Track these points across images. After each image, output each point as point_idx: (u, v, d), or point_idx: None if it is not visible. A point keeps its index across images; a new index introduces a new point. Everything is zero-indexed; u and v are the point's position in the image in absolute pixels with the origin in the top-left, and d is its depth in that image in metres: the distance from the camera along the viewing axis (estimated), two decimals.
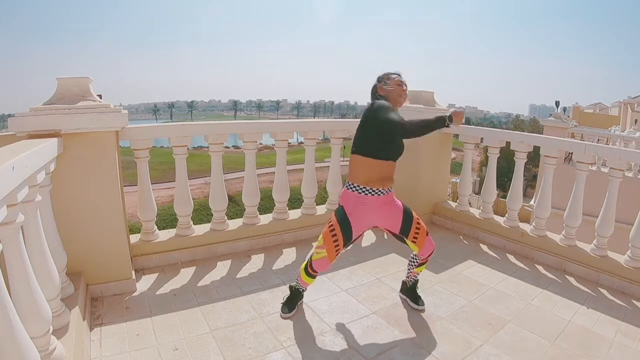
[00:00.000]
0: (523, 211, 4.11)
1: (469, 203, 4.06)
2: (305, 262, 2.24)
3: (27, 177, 1.38)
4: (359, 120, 2.08)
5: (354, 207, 2.08)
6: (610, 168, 2.87)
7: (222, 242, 3.08)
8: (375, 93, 2.17)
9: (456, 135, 4.04)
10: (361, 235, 2.22)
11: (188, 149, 2.93)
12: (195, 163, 23.01)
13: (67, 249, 2.06)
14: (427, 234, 2.20)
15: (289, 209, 3.50)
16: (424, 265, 2.32)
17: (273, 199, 3.40)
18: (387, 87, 2.14)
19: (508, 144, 3.47)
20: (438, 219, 4.05)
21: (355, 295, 2.53)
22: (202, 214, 16.38)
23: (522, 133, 3.61)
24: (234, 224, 3.24)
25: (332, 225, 2.10)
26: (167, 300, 2.41)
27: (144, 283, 2.59)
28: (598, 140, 11.98)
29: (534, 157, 4.25)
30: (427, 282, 2.72)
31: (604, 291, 2.73)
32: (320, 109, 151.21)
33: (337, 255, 2.12)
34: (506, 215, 3.53)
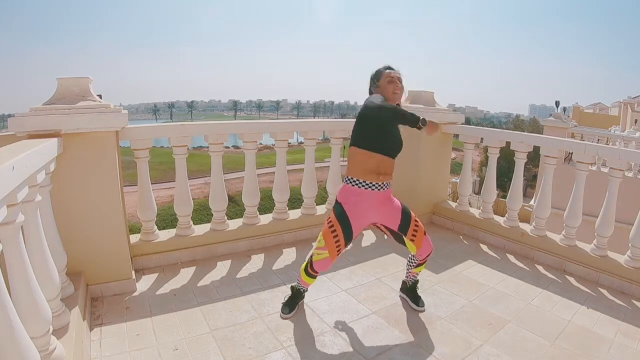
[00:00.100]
0: (523, 211, 4.11)
1: (469, 203, 4.06)
2: (305, 263, 2.24)
3: (27, 177, 1.38)
4: None
5: (352, 204, 2.07)
6: (610, 168, 2.87)
7: (222, 242, 3.08)
8: (371, 94, 2.16)
9: (456, 135, 4.05)
10: (361, 230, 2.21)
11: (188, 149, 2.93)
12: (195, 163, 23.01)
13: (67, 249, 2.06)
14: (425, 234, 2.19)
15: (289, 209, 3.50)
16: (423, 266, 2.32)
17: (273, 199, 3.40)
18: (378, 89, 2.11)
19: (508, 144, 3.47)
20: (438, 219, 4.05)
21: (355, 295, 2.53)
22: (202, 214, 16.39)
23: (522, 133, 3.61)
24: (234, 224, 3.24)
25: (331, 223, 2.09)
26: (167, 300, 2.41)
27: (144, 283, 2.59)
28: (598, 140, 11.98)
29: (534, 157, 4.26)
30: (427, 282, 2.72)
31: (604, 291, 2.73)
32: (320, 109, 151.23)
33: (339, 254, 2.11)
34: (506, 215, 3.53)
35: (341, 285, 2.65)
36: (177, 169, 2.93)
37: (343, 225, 2.06)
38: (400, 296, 2.52)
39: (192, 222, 3.05)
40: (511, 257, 3.26)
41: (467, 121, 5.74)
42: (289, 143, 3.42)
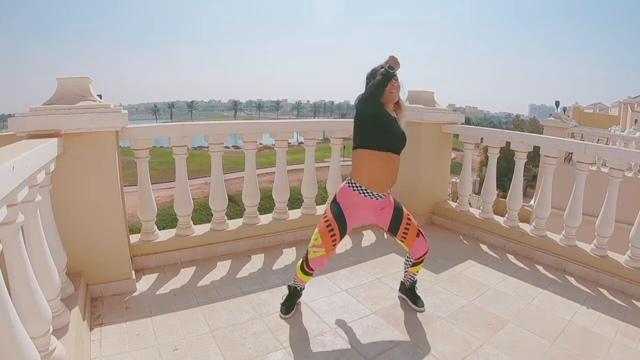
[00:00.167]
0: (523, 211, 4.11)
1: (469, 203, 4.06)
2: (301, 260, 2.24)
3: (27, 177, 1.38)
4: None
5: (350, 206, 2.08)
6: (610, 168, 2.87)
7: (222, 242, 3.08)
8: None
9: (456, 135, 4.05)
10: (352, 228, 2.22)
11: (188, 149, 2.93)
12: (195, 163, 23.00)
13: (67, 249, 2.06)
14: (418, 235, 2.17)
15: (289, 209, 3.50)
16: (419, 266, 2.30)
17: (273, 199, 3.40)
18: None
19: (508, 144, 3.47)
20: (438, 219, 4.05)
21: (355, 295, 2.53)
22: (202, 214, 16.38)
23: (522, 133, 3.61)
24: (234, 224, 3.24)
25: (328, 221, 2.09)
26: (167, 300, 2.41)
27: (144, 283, 2.59)
28: (598, 140, 11.98)
29: (534, 157, 4.25)
30: (427, 282, 2.72)
31: (604, 291, 2.73)
32: (320, 109, 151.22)
33: (334, 250, 2.12)
34: (506, 215, 3.53)
35: (341, 285, 2.65)
36: (177, 169, 2.93)
37: (340, 224, 2.07)
38: (399, 297, 2.52)
39: (192, 222, 3.05)
40: (511, 257, 3.26)
41: (467, 121, 5.75)
42: (289, 143, 3.42)
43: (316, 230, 2.14)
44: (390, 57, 1.93)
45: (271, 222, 3.35)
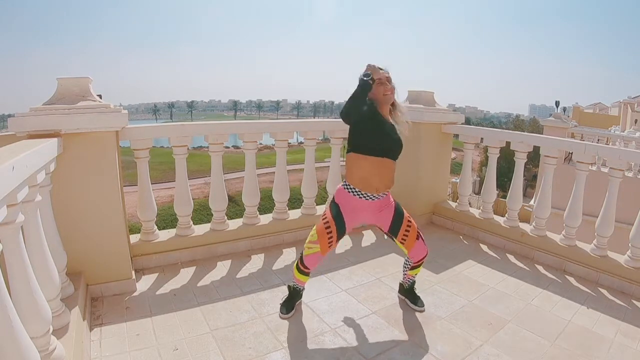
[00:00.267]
0: (523, 211, 4.11)
1: (469, 203, 4.06)
2: (296, 260, 2.24)
3: (27, 177, 1.38)
4: None
5: (348, 207, 2.07)
6: (610, 168, 2.87)
7: (222, 242, 3.08)
8: None
9: (456, 135, 4.05)
10: (352, 229, 2.19)
11: (188, 149, 2.93)
12: (195, 163, 23.00)
13: (67, 249, 2.06)
14: (418, 238, 2.16)
15: (289, 209, 3.50)
16: (418, 269, 2.30)
17: (273, 199, 3.40)
18: (369, 92, 2.01)
19: (508, 144, 3.47)
20: (438, 219, 4.04)
21: (355, 295, 2.53)
22: (202, 214, 16.38)
23: (522, 133, 3.61)
24: (234, 224, 3.24)
25: (327, 221, 2.09)
26: (167, 300, 2.41)
27: (144, 283, 2.59)
28: (598, 140, 11.98)
29: (534, 157, 4.25)
30: (427, 282, 2.72)
31: (604, 291, 2.73)
32: (320, 109, 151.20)
33: (329, 249, 2.11)
34: (506, 215, 3.53)
35: (341, 285, 2.65)
36: (177, 169, 2.93)
37: (338, 225, 2.07)
38: (399, 297, 2.52)
39: (192, 222, 3.05)
40: (511, 257, 3.26)
41: (467, 121, 5.75)
42: (289, 143, 3.42)
43: (314, 228, 2.14)
44: (367, 65, 1.91)
45: (271, 222, 3.35)
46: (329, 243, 2.08)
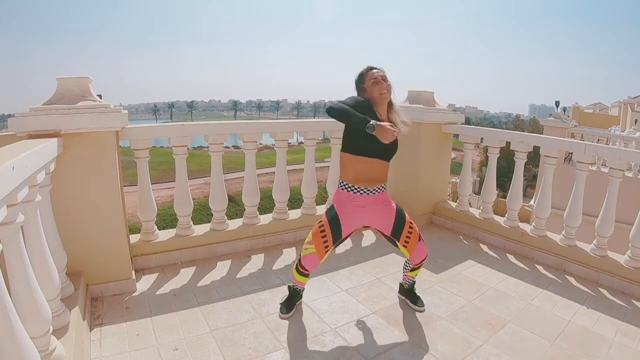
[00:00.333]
0: (523, 211, 4.11)
1: (469, 203, 4.06)
2: (296, 262, 2.24)
3: (27, 177, 1.38)
4: None
5: (344, 206, 2.06)
6: (610, 168, 2.87)
7: (222, 242, 3.08)
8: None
9: (456, 135, 4.05)
10: (352, 233, 2.17)
11: (188, 149, 2.93)
12: (195, 163, 23.00)
13: (67, 249, 2.06)
14: (419, 240, 2.15)
15: (289, 209, 3.50)
16: (418, 270, 2.30)
17: (273, 199, 3.40)
18: (365, 93, 2.02)
19: (508, 144, 3.47)
20: (438, 219, 4.04)
21: (355, 295, 2.53)
22: (202, 214, 16.38)
23: (522, 133, 3.61)
24: (234, 224, 3.24)
25: (322, 224, 2.09)
26: (167, 300, 2.41)
27: (144, 283, 2.59)
28: (598, 140, 11.98)
29: (534, 157, 4.26)
30: (427, 282, 2.72)
31: (604, 291, 2.73)
32: (320, 109, 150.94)
33: (326, 252, 2.10)
34: (506, 215, 3.53)
35: (341, 285, 2.65)
36: (177, 169, 2.93)
37: (333, 228, 2.06)
38: (399, 297, 2.52)
39: (192, 222, 3.05)
40: (511, 257, 3.26)
41: (467, 121, 5.75)
42: (289, 143, 3.42)
43: (310, 231, 2.14)
44: (385, 128, 1.81)
45: (271, 222, 3.35)
46: (324, 245, 2.07)
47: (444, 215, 4.01)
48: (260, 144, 3.33)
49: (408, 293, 2.44)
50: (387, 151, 2.01)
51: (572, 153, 3.46)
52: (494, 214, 3.73)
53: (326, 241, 2.06)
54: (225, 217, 3.19)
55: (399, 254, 3.12)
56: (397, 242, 2.16)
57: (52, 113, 2.06)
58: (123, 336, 2.03)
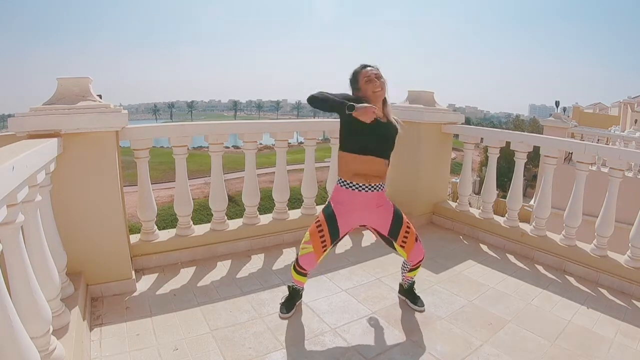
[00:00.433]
0: (523, 211, 4.11)
1: (469, 203, 4.06)
2: (293, 261, 2.24)
3: (27, 177, 1.38)
4: None
5: (342, 204, 2.06)
6: (610, 168, 2.87)
7: (222, 242, 3.08)
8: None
9: (456, 135, 4.05)
10: (348, 231, 2.17)
11: (188, 149, 2.93)
12: (195, 163, 22.99)
13: (67, 249, 2.06)
14: (416, 240, 2.16)
15: (289, 209, 3.50)
16: (416, 271, 2.30)
17: (273, 199, 3.40)
18: (360, 92, 2.02)
19: (508, 144, 3.47)
20: (438, 219, 4.04)
21: (355, 295, 2.53)
22: (202, 214, 16.38)
23: (522, 133, 3.61)
24: (234, 224, 3.24)
25: (319, 222, 2.08)
26: (167, 300, 2.41)
27: (144, 283, 2.59)
28: (598, 140, 11.98)
29: (534, 157, 4.25)
30: (427, 282, 2.72)
31: (604, 291, 2.73)
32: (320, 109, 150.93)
33: (324, 251, 2.09)
34: (506, 215, 3.53)
35: (341, 285, 2.65)
36: (177, 169, 2.93)
37: (330, 226, 2.05)
38: (399, 297, 2.52)
39: (192, 222, 3.05)
40: (511, 257, 3.26)
41: (467, 121, 5.75)
42: (289, 143, 3.42)
43: (308, 230, 2.13)
44: (366, 108, 1.83)
45: (271, 222, 3.35)
46: (322, 244, 2.06)
47: (444, 215, 4.00)
48: (260, 144, 3.33)
49: (408, 293, 2.44)
50: (382, 148, 2.01)
51: (572, 153, 3.46)
52: (494, 214, 3.73)
53: (324, 240, 2.06)
54: (225, 217, 3.19)
55: (399, 253, 3.13)
56: (395, 243, 2.15)
57: (52, 113, 2.06)
58: (123, 336, 2.03)
